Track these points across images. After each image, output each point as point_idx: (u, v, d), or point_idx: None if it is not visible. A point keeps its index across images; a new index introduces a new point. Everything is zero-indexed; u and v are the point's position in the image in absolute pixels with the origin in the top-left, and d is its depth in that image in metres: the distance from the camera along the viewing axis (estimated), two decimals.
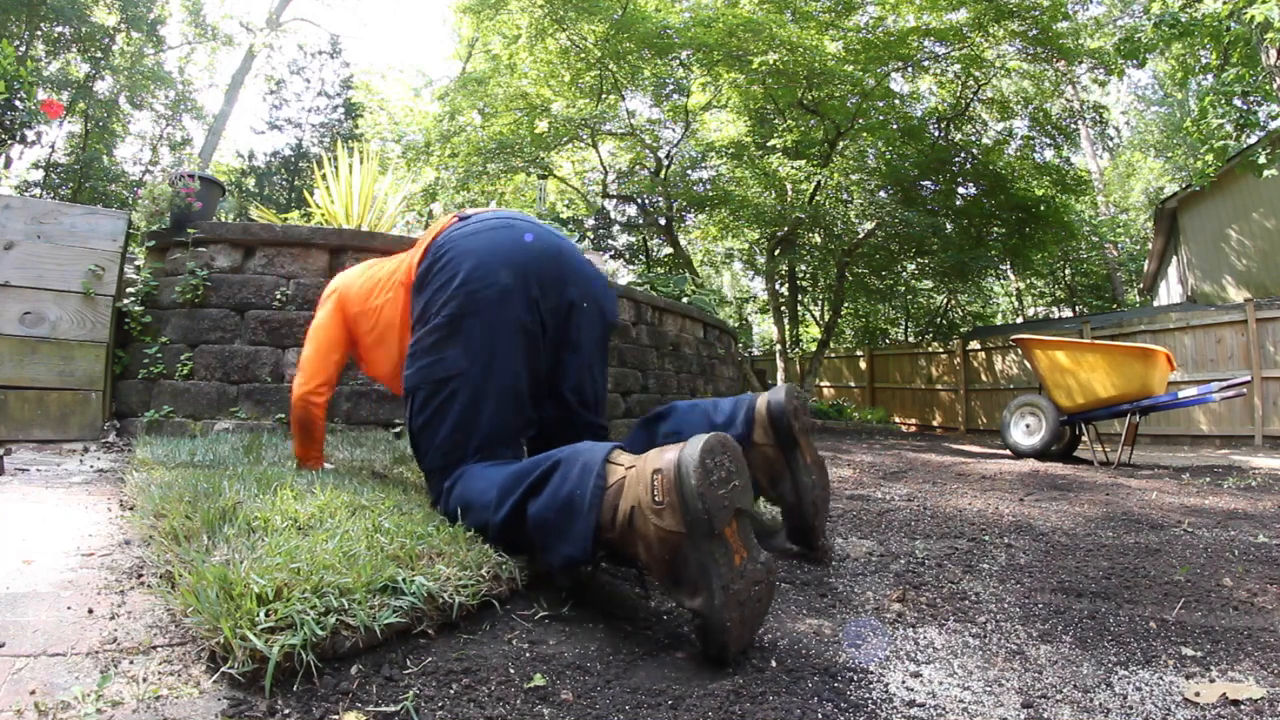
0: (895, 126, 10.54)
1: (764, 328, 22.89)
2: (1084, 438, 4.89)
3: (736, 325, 18.07)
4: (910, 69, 10.14)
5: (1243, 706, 0.92)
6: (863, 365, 13.34)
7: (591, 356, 1.69)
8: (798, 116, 10.49)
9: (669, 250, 14.27)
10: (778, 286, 14.31)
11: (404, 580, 1.12)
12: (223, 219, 4.64)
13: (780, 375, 12.96)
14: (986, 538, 1.88)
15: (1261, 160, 6.97)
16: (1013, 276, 17.85)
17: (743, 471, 1.08)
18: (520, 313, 1.54)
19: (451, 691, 0.94)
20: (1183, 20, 6.51)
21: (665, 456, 1.08)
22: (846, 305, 15.29)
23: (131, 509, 1.81)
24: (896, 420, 12.20)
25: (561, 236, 1.77)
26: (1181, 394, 4.38)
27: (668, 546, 1.05)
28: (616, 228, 15.67)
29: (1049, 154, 11.67)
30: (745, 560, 1.05)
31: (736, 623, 1.02)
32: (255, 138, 44.15)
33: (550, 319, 1.60)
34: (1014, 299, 19.84)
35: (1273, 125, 7.92)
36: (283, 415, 3.64)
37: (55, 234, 3.50)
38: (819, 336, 14.55)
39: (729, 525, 1.04)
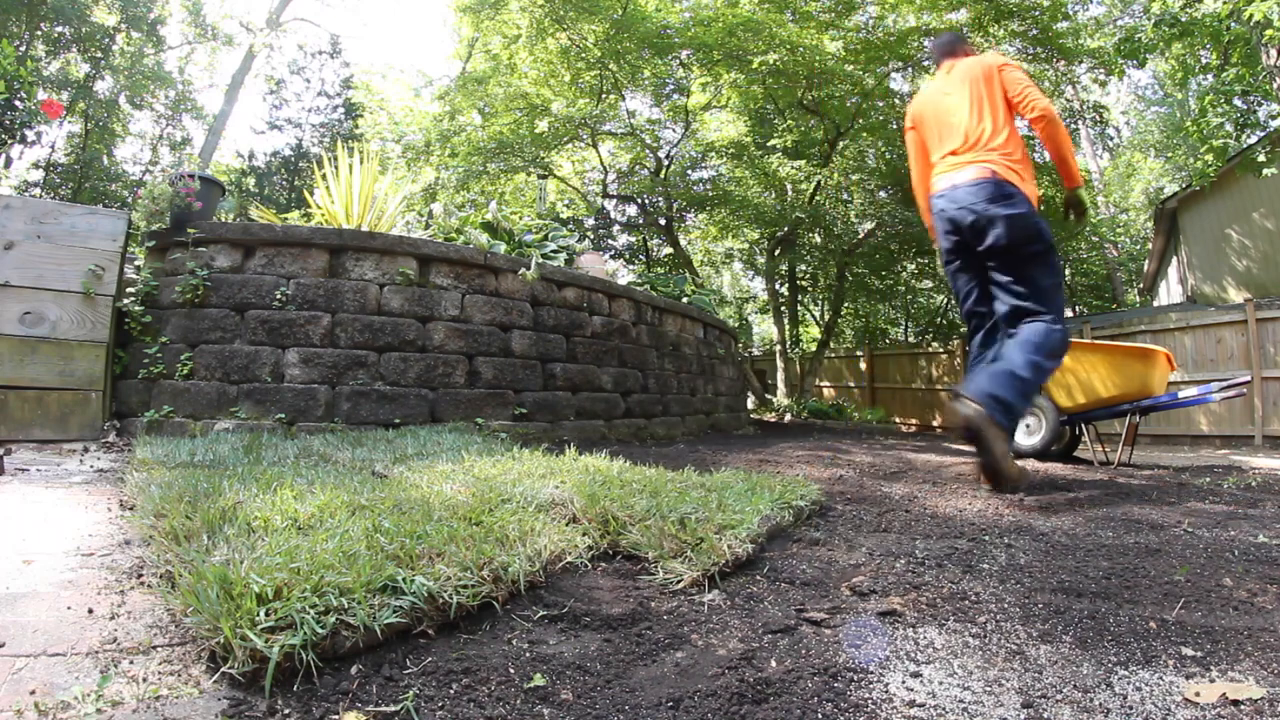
0: (895, 126, 10.53)
1: (764, 328, 22.89)
2: (1084, 438, 4.88)
3: (736, 325, 18.07)
4: (910, 69, 10.13)
5: (1243, 706, 0.92)
6: (863, 365, 13.33)
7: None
8: (798, 116, 10.49)
9: (669, 250, 14.27)
10: (778, 286, 14.31)
11: (404, 580, 1.12)
12: (223, 219, 4.64)
13: (780, 375, 12.96)
14: (986, 538, 1.88)
15: (1261, 160, 6.97)
16: None
17: None
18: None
19: (451, 691, 0.94)
20: (1183, 20, 6.52)
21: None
22: (846, 305, 15.29)
23: (131, 509, 1.81)
24: (897, 420, 12.19)
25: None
26: (1181, 394, 4.37)
27: None
28: (616, 228, 15.66)
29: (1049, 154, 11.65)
30: None
31: None
32: (255, 138, 44.23)
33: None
34: None
35: (1273, 125, 7.92)
36: (282, 415, 3.64)
37: (55, 234, 3.49)
38: (819, 336, 14.55)
39: None
